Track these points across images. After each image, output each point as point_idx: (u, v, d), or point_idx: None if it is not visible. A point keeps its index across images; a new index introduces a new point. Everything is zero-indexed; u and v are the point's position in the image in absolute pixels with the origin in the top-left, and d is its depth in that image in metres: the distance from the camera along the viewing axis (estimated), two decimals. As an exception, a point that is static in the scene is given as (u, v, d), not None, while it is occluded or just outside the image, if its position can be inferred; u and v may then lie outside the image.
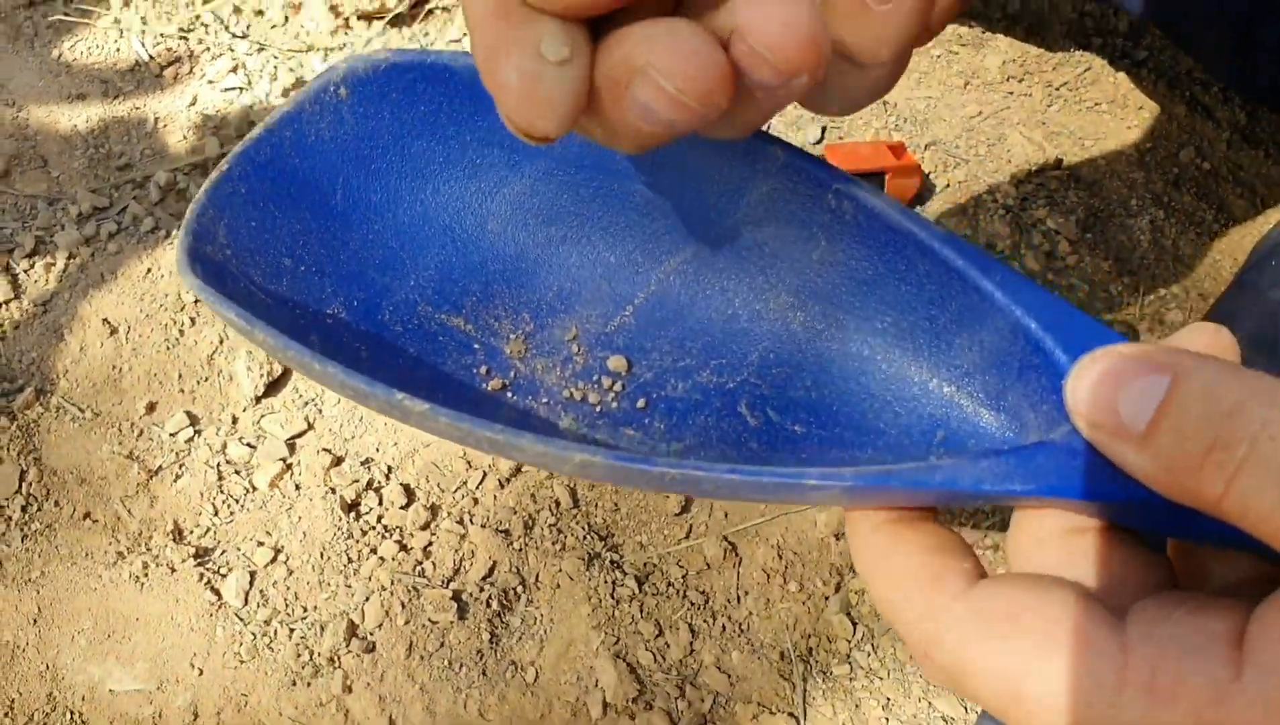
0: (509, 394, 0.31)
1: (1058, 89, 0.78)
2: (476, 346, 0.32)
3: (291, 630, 0.54)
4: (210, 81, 0.74)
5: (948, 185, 0.72)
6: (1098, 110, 0.78)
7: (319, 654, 0.53)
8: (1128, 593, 0.23)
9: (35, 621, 0.54)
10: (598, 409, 0.31)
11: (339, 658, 0.53)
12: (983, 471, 0.24)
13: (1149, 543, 0.25)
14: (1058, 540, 0.24)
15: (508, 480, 0.59)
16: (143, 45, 0.75)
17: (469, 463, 0.59)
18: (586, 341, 0.32)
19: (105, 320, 0.62)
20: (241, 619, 0.54)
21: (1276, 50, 0.58)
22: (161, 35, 0.75)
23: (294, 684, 0.53)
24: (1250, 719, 0.20)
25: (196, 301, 0.63)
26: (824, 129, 0.74)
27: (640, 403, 0.31)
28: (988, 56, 0.78)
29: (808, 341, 0.31)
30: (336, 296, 0.32)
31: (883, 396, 0.30)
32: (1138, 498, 0.22)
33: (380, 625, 0.54)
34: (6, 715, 0.52)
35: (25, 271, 0.64)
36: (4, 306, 0.63)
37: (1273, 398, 0.21)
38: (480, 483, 0.59)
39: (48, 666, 0.53)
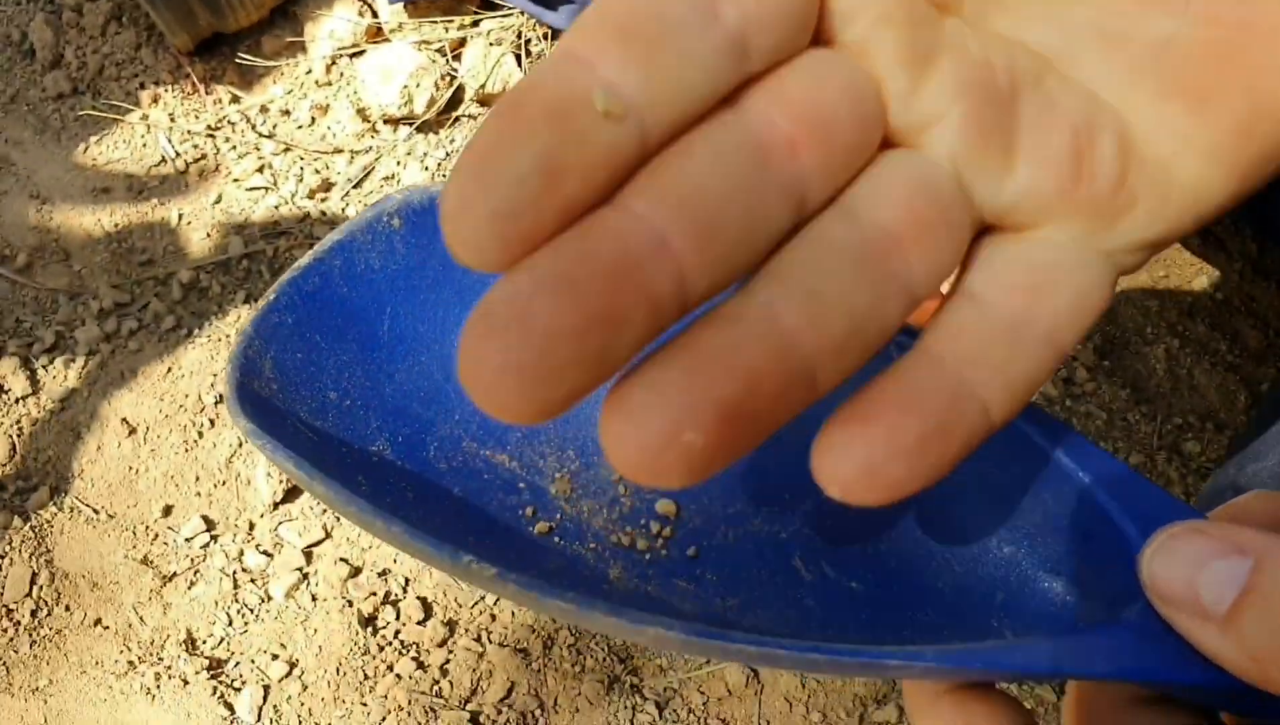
0: (556, 538, 0.31)
1: (1073, 215, 0.79)
2: (522, 485, 0.31)
3: (304, 749, 0.53)
4: (236, 180, 0.74)
5: (966, 308, 0.73)
6: (1112, 237, 0.79)
7: (331, 775, 0.52)
8: None
9: (41, 733, 0.53)
10: (647, 557, 0.30)
11: (352, 779, 0.52)
12: (1062, 652, 0.23)
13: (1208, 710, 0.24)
14: (1123, 713, 0.24)
15: (527, 597, 0.58)
16: (170, 142, 0.75)
17: (489, 578, 0.58)
18: (634, 482, 0.31)
19: (124, 420, 0.62)
20: (253, 736, 0.53)
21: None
22: (189, 132, 0.76)
23: (304, 805, 0.52)
24: None
25: (217, 403, 0.62)
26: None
27: (691, 551, 0.30)
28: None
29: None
30: (382, 432, 0.31)
31: (940, 555, 0.30)
32: (1218, 683, 0.22)
33: (396, 746, 0.53)
34: (6, 831, 0.50)
35: (44, 367, 0.64)
36: (22, 402, 0.62)
37: None
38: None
39: (51, 780, 0.52)
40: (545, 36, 0.81)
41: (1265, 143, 0.22)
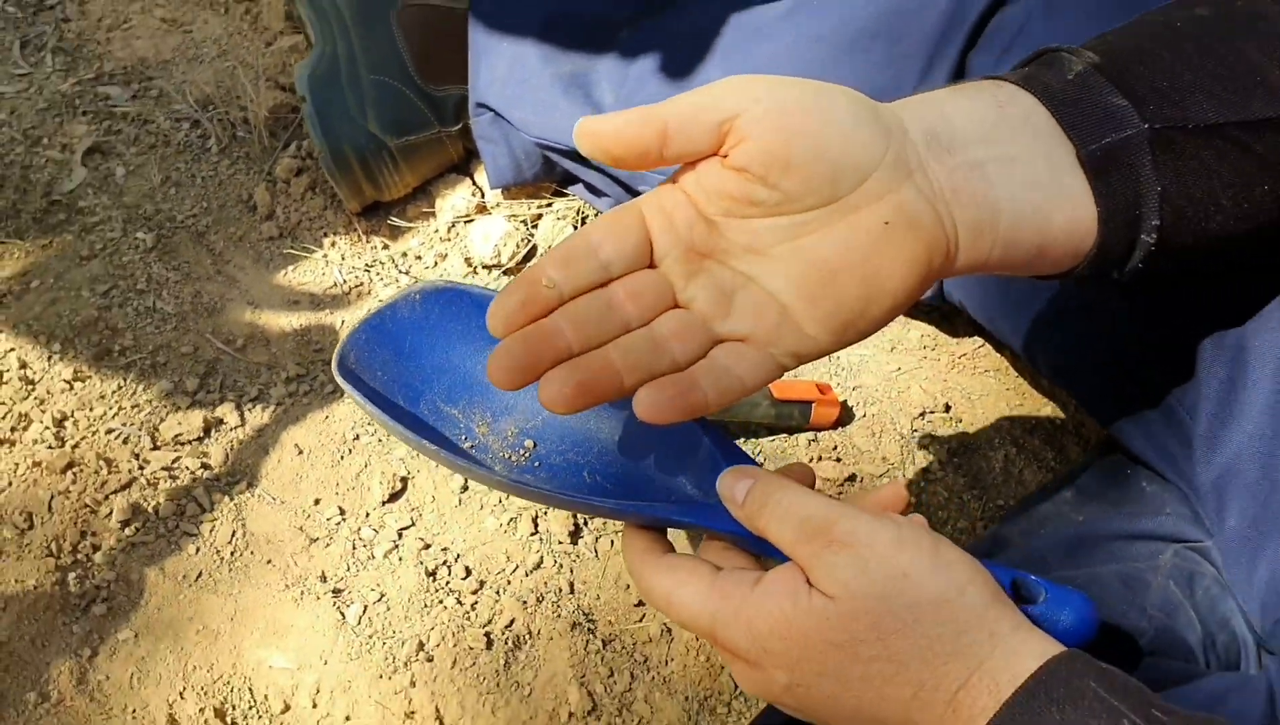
0: (474, 451, 0.64)
1: (959, 358, 1.10)
2: (462, 425, 0.64)
3: (385, 643, 0.87)
4: (380, 300, 1.11)
5: (864, 416, 1.05)
6: (985, 375, 1.10)
7: (398, 660, 0.86)
8: (731, 567, 0.55)
9: (232, 619, 0.88)
10: (515, 463, 0.64)
11: (410, 664, 0.86)
12: (687, 513, 0.57)
13: (752, 551, 0.57)
14: (714, 546, 0.57)
15: (531, 571, 0.91)
16: (340, 273, 1.13)
17: (508, 556, 0.92)
18: (515, 430, 0.65)
19: (296, 445, 0.98)
20: (355, 633, 0.87)
21: (1047, 347, 0.90)
22: (353, 267, 1.14)
23: (380, 677, 0.85)
24: (751, 612, 0.52)
25: (356, 437, 0.98)
26: (784, 370, 1.07)
27: (536, 464, 0.64)
28: (910, 331, 1.12)
29: (620, 445, 0.63)
30: (398, 393, 0.63)
31: (651, 476, 0.62)
32: (740, 532, 0.55)
33: (438, 646, 0.86)
34: (209, 672, 0.85)
35: (249, 410, 1.01)
36: (234, 430, 0.99)
37: (784, 487, 0.54)
38: (514, 570, 0.91)
39: (235, 647, 0.86)
40: (596, 214, 1.17)
41: (844, 328, 0.56)
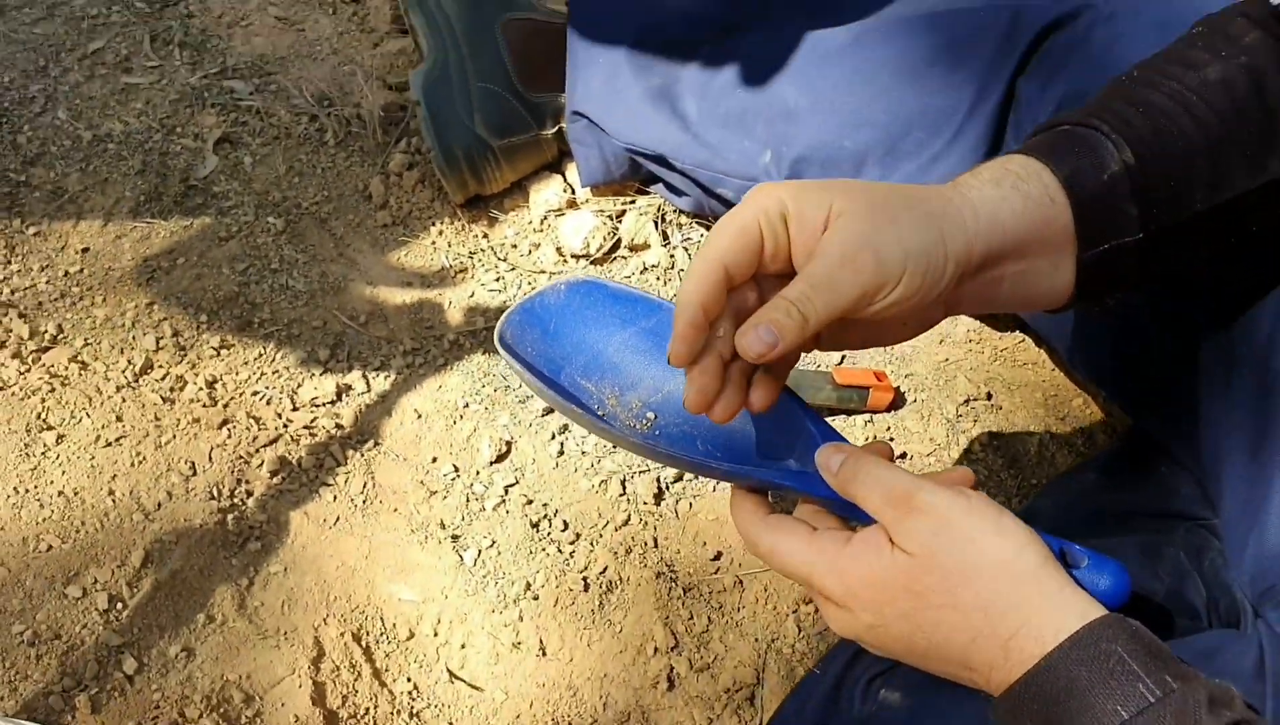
0: (604, 420, 0.77)
1: (1001, 351, 1.23)
2: (595, 397, 0.77)
3: (497, 583, 1.01)
4: (482, 284, 1.25)
5: (915, 401, 1.18)
6: (1025, 367, 1.22)
7: (508, 597, 1.00)
8: (825, 527, 0.69)
9: (366, 557, 1.02)
10: (640, 431, 0.76)
11: (518, 601, 1.00)
12: (790, 478, 0.70)
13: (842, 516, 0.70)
14: (808, 509, 0.70)
15: (620, 527, 1.05)
16: (446, 258, 1.27)
17: (599, 513, 1.06)
18: (640, 403, 0.77)
19: (415, 409, 1.12)
20: (471, 573, 1.01)
21: (1084, 350, 1.03)
22: (457, 254, 1.27)
23: (492, 611, 0.99)
24: (844, 565, 0.65)
25: (466, 405, 1.12)
26: (842, 357, 1.20)
27: (657, 433, 0.76)
28: (958, 325, 1.24)
29: (731, 422, 0.76)
30: (543, 367, 0.76)
31: (754, 449, 0.75)
32: (834, 498, 0.68)
33: (542, 587, 1.00)
34: (347, 602, 0.99)
35: (373, 378, 1.15)
36: (362, 395, 1.13)
37: (873, 461, 0.67)
38: (605, 526, 1.05)
39: (369, 581, 1.01)
40: (675, 212, 1.30)
41: (841, 348, 0.71)
